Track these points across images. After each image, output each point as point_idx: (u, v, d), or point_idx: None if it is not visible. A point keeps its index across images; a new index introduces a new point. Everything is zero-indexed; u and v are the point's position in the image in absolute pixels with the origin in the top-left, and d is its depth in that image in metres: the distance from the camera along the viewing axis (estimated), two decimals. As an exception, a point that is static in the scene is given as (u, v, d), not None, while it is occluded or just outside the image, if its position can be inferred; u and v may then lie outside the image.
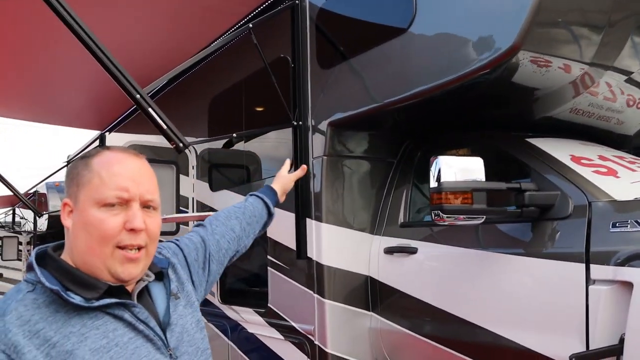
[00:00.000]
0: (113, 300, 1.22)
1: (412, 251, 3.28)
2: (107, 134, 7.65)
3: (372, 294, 3.55)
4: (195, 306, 1.52)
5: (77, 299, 1.18)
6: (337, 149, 3.59)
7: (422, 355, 3.26)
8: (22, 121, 7.54)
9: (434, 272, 3.17)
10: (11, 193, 13.56)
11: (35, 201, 12.46)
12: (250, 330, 4.17)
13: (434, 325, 3.13)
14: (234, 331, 4.40)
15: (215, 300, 4.67)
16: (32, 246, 14.02)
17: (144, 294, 1.34)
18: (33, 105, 7.11)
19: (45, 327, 1.12)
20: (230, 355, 4.43)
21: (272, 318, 3.91)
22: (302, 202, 3.57)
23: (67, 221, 1.27)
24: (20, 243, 14.41)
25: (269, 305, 3.95)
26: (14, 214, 16.35)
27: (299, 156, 3.61)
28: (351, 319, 3.51)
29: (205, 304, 4.77)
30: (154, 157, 4.94)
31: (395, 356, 3.42)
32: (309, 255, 3.55)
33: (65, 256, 1.29)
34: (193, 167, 5.08)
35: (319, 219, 3.52)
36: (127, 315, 1.23)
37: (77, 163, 1.30)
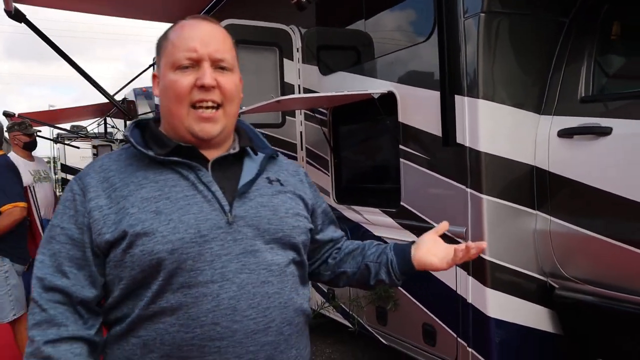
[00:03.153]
0: (176, 158, 1.29)
1: (604, 132, 2.51)
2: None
3: (538, 189, 2.83)
4: (306, 207, 1.47)
5: (147, 152, 1.29)
6: (497, 4, 2.77)
7: (609, 262, 2.58)
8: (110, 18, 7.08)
9: (638, 158, 2.40)
10: (102, 102, 13.57)
11: (124, 109, 12.30)
12: (376, 234, 3.59)
13: (632, 225, 2.42)
14: (355, 234, 3.84)
15: (330, 200, 4.11)
16: (125, 154, 14.12)
17: (230, 166, 1.36)
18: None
19: (115, 175, 1.28)
20: (351, 261, 3.91)
21: (406, 219, 3.30)
22: (449, 75, 2.83)
23: (156, 91, 1.36)
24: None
25: (401, 204, 3.33)
26: (105, 123, 16.54)
27: (444, 16, 2.82)
28: (513, 218, 2.83)
29: (318, 204, 4.23)
30: (253, 39, 4.28)
31: (569, 263, 2.75)
32: (459, 141, 2.85)
33: (161, 125, 1.38)
34: (298, 49, 4.39)
35: (473, 94, 2.78)
36: (192, 176, 1.28)
37: (160, 37, 1.36)
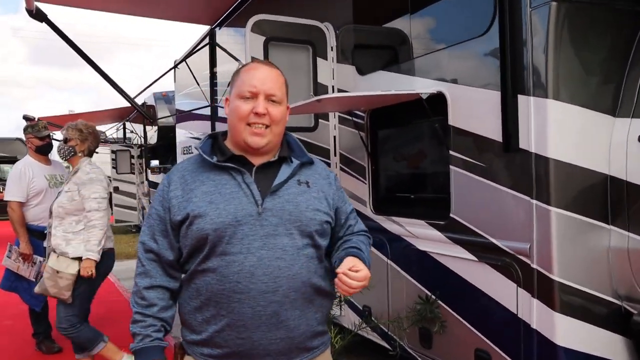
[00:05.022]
0: (228, 164, 1.75)
1: (699, 136, 2.18)
2: (217, 29, 6.82)
3: (613, 201, 2.51)
4: (328, 204, 1.84)
5: (208, 158, 1.77)
6: (569, -8, 2.46)
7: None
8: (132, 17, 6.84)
9: None
10: (121, 106, 13.41)
11: (145, 112, 12.10)
12: (421, 248, 3.28)
13: None
14: (396, 248, 3.54)
15: (367, 210, 3.81)
16: (143, 159, 13.91)
17: (269, 170, 1.78)
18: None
19: (187, 174, 1.78)
20: (391, 275, 3.60)
21: (457, 233, 2.98)
22: (512, 73, 2.52)
23: (226, 110, 1.83)
24: (132, 156, 14.35)
25: (451, 215, 3.01)
26: (124, 128, 16.38)
27: (506, 6, 2.52)
28: (584, 234, 2.51)
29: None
30: (284, 36, 4.00)
31: (651, 287, 2.42)
32: (522, 146, 2.54)
33: (227, 138, 1.86)
34: (332, 48, 4.10)
35: (541, 94, 2.46)
36: (239, 178, 1.74)
37: (234, 73, 1.84)
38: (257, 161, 1.78)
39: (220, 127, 6.45)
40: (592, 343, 2.51)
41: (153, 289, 1.77)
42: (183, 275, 1.81)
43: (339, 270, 1.69)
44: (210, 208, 1.68)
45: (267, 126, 1.73)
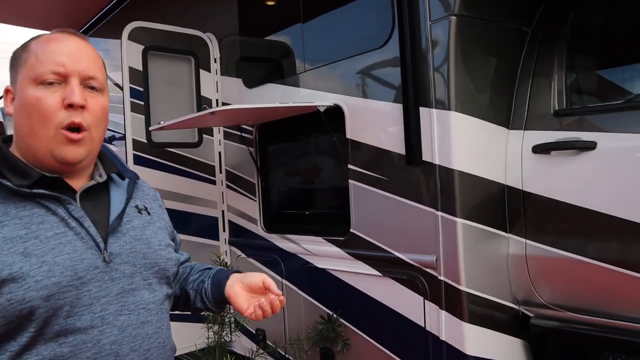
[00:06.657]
0: (43, 191, 1.16)
1: (588, 146, 2.31)
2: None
3: (510, 210, 2.60)
4: (169, 236, 1.43)
5: (6, 183, 1.14)
6: (466, 8, 2.50)
7: (596, 285, 2.38)
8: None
9: (627, 174, 2.22)
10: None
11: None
12: (319, 266, 3.18)
13: (622, 244, 2.24)
14: (291, 266, 3.41)
15: (258, 229, 3.64)
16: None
17: (96, 196, 1.26)
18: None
19: None
20: (286, 295, 3.41)
21: (358, 249, 2.92)
22: (414, 85, 2.52)
23: (9, 108, 1.22)
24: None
25: (351, 231, 2.95)
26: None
27: (406, 19, 2.53)
28: (487, 243, 2.56)
29: (242, 233, 3.77)
30: (164, 45, 3.73)
31: (548, 289, 2.52)
32: (425, 158, 2.55)
33: (13, 147, 1.23)
34: (215, 59, 3.91)
35: (443, 106, 2.49)
36: (60, 211, 1.17)
37: (17, 49, 1.23)
38: (75, 184, 1.23)
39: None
40: (497, 349, 2.55)
41: None
42: None
43: (273, 289, 1.32)
44: (30, 264, 1.08)
45: (81, 128, 1.18)
